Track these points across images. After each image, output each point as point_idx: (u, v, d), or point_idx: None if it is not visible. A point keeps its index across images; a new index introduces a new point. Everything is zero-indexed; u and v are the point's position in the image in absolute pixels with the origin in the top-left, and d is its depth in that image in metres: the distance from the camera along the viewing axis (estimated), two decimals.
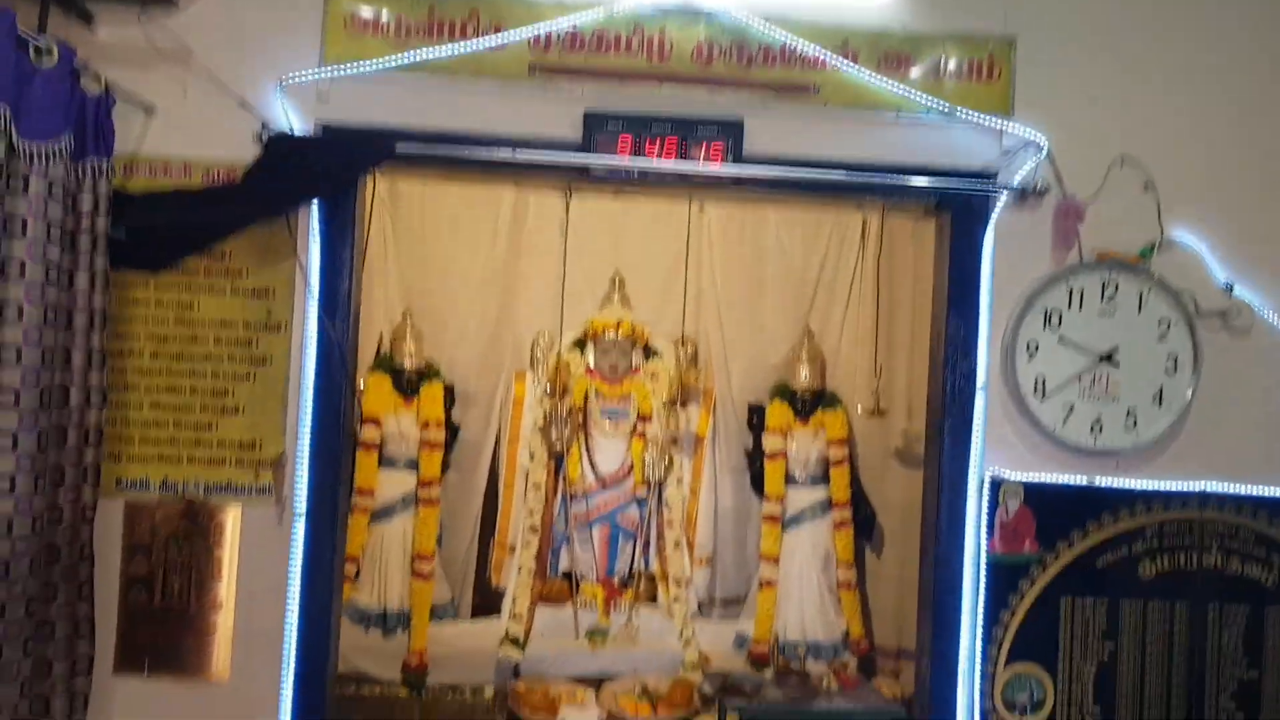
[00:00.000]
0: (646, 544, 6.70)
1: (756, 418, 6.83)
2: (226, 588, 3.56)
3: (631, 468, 6.67)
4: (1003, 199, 3.47)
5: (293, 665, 3.46)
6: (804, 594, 6.61)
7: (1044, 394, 3.41)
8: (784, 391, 6.79)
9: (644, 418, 6.71)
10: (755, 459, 6.79)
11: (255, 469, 3.69)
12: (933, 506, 3.48)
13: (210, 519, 3.61)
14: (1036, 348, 3.45)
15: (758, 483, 6.82)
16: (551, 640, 6.36)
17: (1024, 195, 3.43)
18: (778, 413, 6.73)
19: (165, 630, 3.56)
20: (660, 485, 6.65)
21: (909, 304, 6.84)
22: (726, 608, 6.92)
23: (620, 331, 6.67)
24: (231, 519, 3.62)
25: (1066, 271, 3.46)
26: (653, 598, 6.68)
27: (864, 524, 6.74)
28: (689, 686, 6.03)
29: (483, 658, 6.28)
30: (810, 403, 6.76)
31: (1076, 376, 3.41)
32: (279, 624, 3.49)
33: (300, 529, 3.55)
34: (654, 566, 6.74)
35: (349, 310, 3.65)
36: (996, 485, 3.45)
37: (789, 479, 6.70)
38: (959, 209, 3.53)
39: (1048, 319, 3.46)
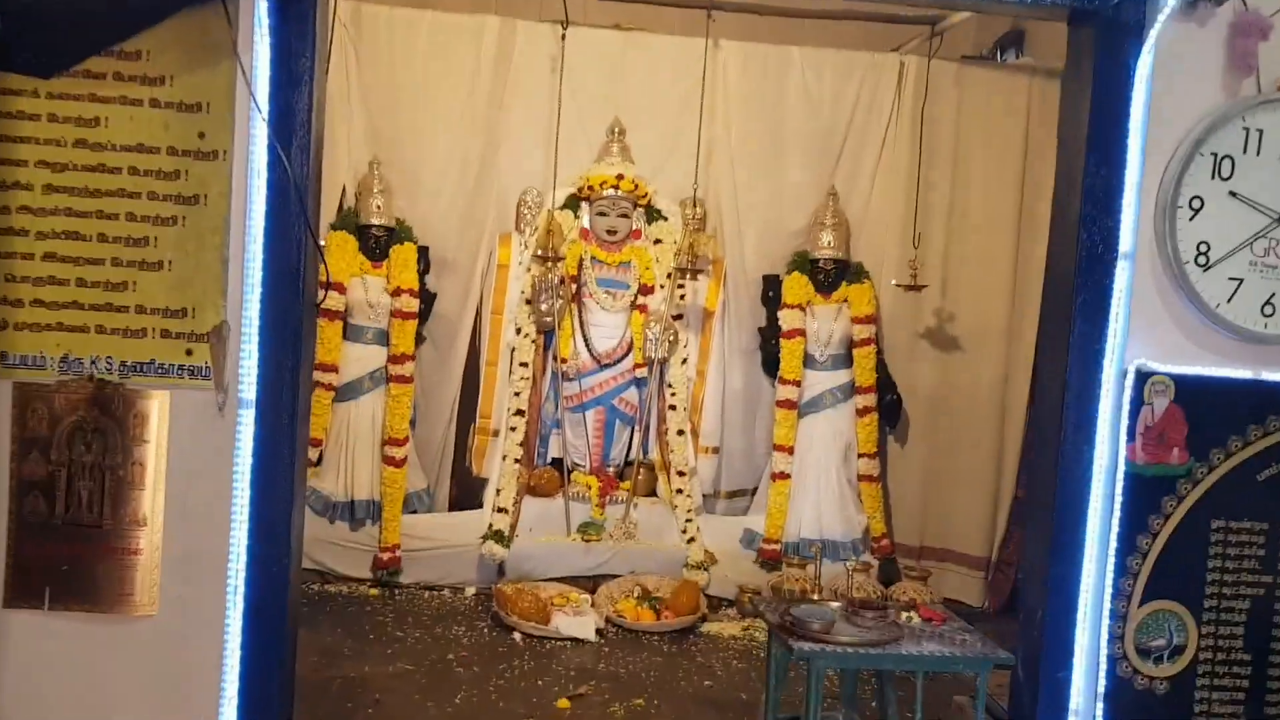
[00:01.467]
0: (646, 430, 5.97)
1: (772, 291, 6.05)
2: (151, 498, 2.74)
3: (631, 345, 5.89)
4: (1166, 7, 2.63)
5: (240, 600, 2.68)
6: (821, 487, 5.94)
7: (1207, 263, 2.64)
8: (803, 262, 6.01)
9: (646, 289, 5.91)
10: (769, 337, 6.04)
11: (187, 343, 2.84)
12: (1054, 403, 2.71)
13: (128, 408, 2.77)
14: (1200, 204, 2.66)
15: (771, 364, 6.09)
16: (540, 536, 5.67)
17: (1193, 4, 2.62)
18: (796, 285, 5.96)
19: (72, 551, 2.74)
20: (663, 365, 5.89)
21: (949, 162, 6.04)
22: (733, 501, 6.24)
23: (621, 188, 5.82)
24: (157, 408, 2.77)
25: (1241, 106, 2.66)
26: (652, 490, 5.99)
27: (889, 411, 6.05)
28: (694, 589, 5.38)
29: (463, 554, 5.59)
30: (833, 275, 5.99)
31: (1249, 242, 2.64)
32: (222, 544, 2.71)
33: (248, 422, 2.73)
34: (654, 455, 6.04)
35: (309, 136, 2.77)
36: (1141, 378, 2.69)
37: (807, 360, 5.97)
38: (1104, 20, 2.69)
39: (1216, 168, 2.67)
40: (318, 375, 5.61)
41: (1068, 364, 2.71)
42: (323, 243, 5.44)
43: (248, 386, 2.81)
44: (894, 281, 5.83)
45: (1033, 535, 2.95)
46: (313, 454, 5.67)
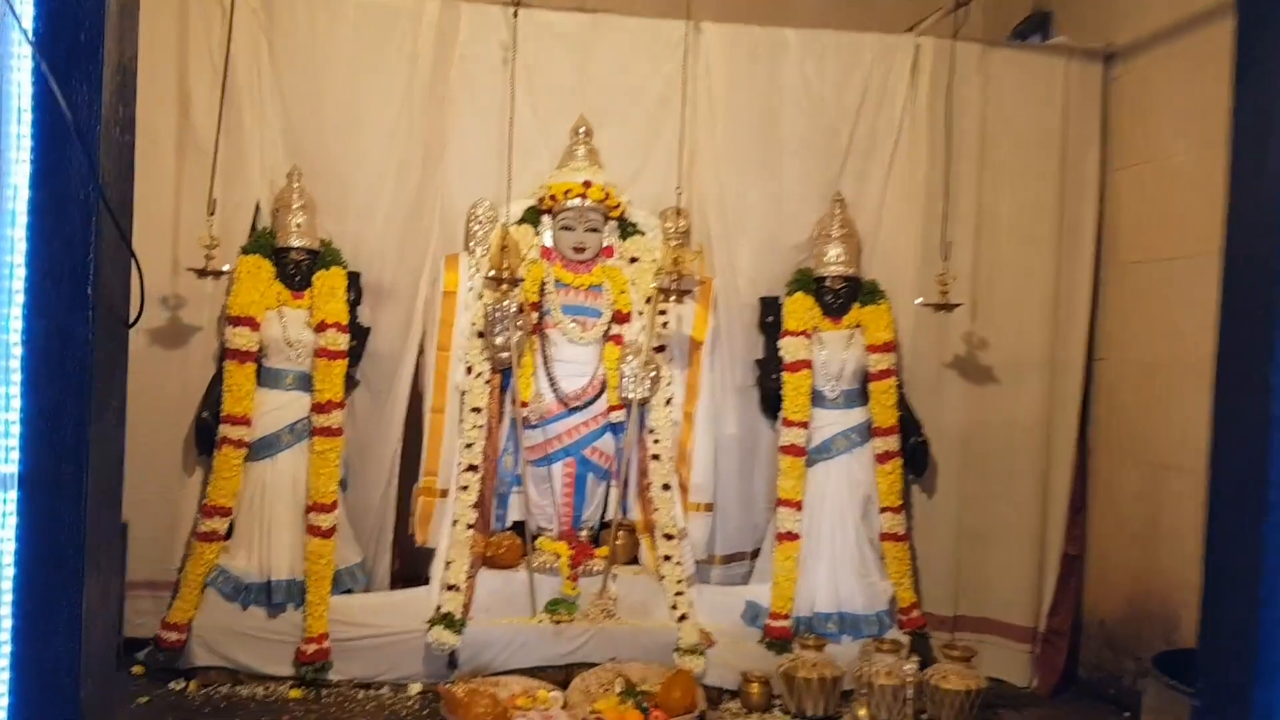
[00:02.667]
0: (625, 485, 4.98)
1: (771, 316, 5.11)
2: None
3: (604, 384, 4.92)
4: None
5: None
6: (837, 549, 4.96)
7: None
8: (807, 281, 5.08)
9: (621, 316, 4.96)
10: (769, 371, 5.09)
11: None
12: (1255, 453, 1.75)
13: None
14: None
15: (771, 403, 5.14)
16: (499, 618, 4.65)
17: None
18: (800, 309, 5.02)
19: None
20: (643, 407, 4.91)
21: (975, 162, 5.14)
22: (730, 568, 5.25)
23: (589, 197, 4.88)
24: None
25: None
26: (634, 558, 5.00)
27: (914, 456, 5.09)
28: (689, 681, 4.37)
29: (406, 643, 4.58)
30: (843, 295, 5.06)
31: None
32: None
33: (10, 507, 1.75)
34: (635, 515, 5.05)
35: (117, 66, 1.78)
36: None
37: (815, 397, 5.01)
38: None
39: None
40: (226, 430, 4.63)
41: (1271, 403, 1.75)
42: (227, 268, 4.50)
43: (7, 452, 1.83)
44: (920, 300, 4.89)
45: (1214, 589, 1.97)
46: (220, 525, 4.66)
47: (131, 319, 2.08)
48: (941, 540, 5.24)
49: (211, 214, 4.49)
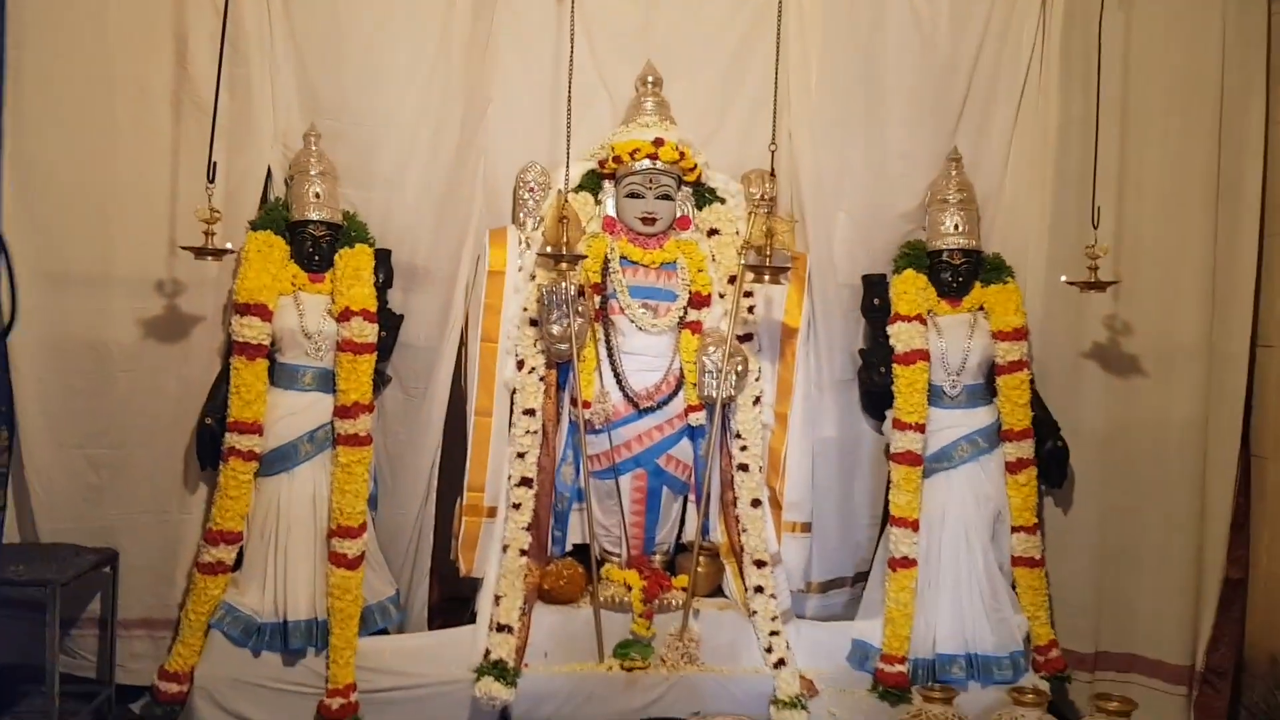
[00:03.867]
0: (706, 501, 4.17)
1: (877, 297, 4.31)
2: None
3: (680, 380, 4.13)
4: None
5: None
6: (962, 578, 4.16)
7: None
8: (919, 255, 4.30)
9: (699, 299, 4.17)
10: (875, 363, 4.28)
11: None
12: None
13: None
14: None
15: (876, 401, 4.35)
16: (560, 665, 3.87)
17: None
18: (912, 289, 4.23)
19: None
20: (727, 408, 4.12)
21: (1116, 113, 4.31)
22: (828, 597, 4.45)
23: (660, 158, 4.10)
24: None
25: None
26: (718, 588, 4.21)
27: (1052, 464, 4.28)
28: None
29: (449, 696, 3.81)
30: (964, 272, 4.26)
31: None
32: None
33: None
34: (718, 536, 4.25)
35: None
36: None
37: (932, 395, 4.20)
38: None
39: None
40: (234, 439, 3.90)
41: None
42: (231, 246, 3.75)
43: None
44: (1065, 278, 4.05)
45: None
46: (227, 554, 3.91)
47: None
48: (1079, 563, 4.43)
49: (212, 181, 3.72)
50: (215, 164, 3.73)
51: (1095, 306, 4.35)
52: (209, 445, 3.96)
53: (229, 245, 3.76)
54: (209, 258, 3.71)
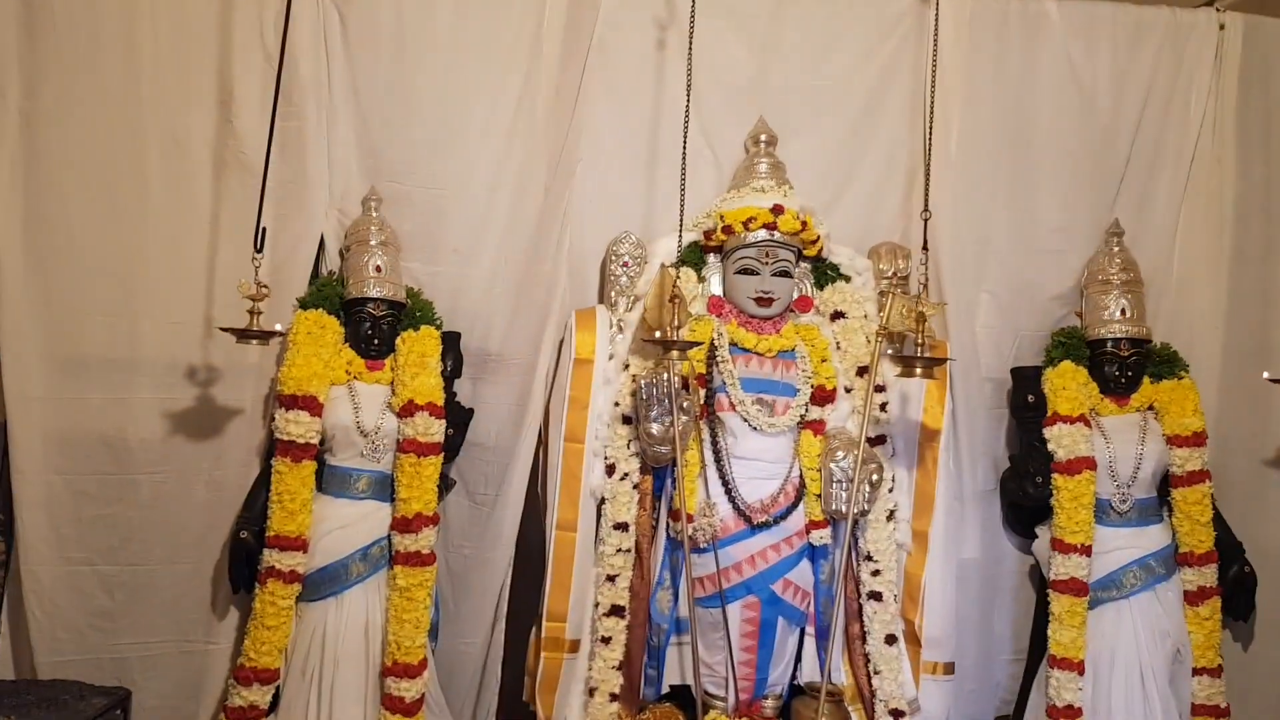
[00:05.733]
0: (832, 636, 3.49)
1: (1032, 394, 3.66)
2: None
3: (801, 490, 3.47)
4: None
5: None
6: None
7: None
8: (1077, 345, 3.66)
9: (824, 394, 3.53)
10: (1029, 472, 3.62)
11: None
12: None
13: None
14: None
15: (1025, 515, 3.68)
16: None
17: None
18: (1072, 384, 3.60)
19: None
20: (857, 524, 3.46)
21: None
22: None
23: (780, 228, 3.49)
24: None
25: None
26: None
27: (1236, 592, 3.60)
28: None
29: None
30: (1132, 365, 3.62)
31: None
32: None
33: None
34: (843, 678, 3.57)
35: None
36: None
37: (1098, 510, 3.54)
38: None
39: None
40: (273, 557, 3.27)
41: None
42: (279, 328, 3.15)
43: None
44: (1267, 375, 3.40)
45: None
46: (262, 696, 3.25)
47: None
48: (1263, 710, 3.71)
49: (259, 252, 3.13)
50: (265, 230, 3.14)
51: (1277, 404, 3.70)
52: (243, 563, 3.32)
53: (277, 326, 3.16)
54: (253, 341, 3.09)
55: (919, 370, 3.11)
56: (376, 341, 3.44)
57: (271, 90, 3.24)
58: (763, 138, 3.65)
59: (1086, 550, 3.48)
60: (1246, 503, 3.73)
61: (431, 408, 3.36)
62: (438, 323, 3.50)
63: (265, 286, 3.08)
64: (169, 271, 3.43)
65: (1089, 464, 3.50)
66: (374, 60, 3.57)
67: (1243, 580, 3.59)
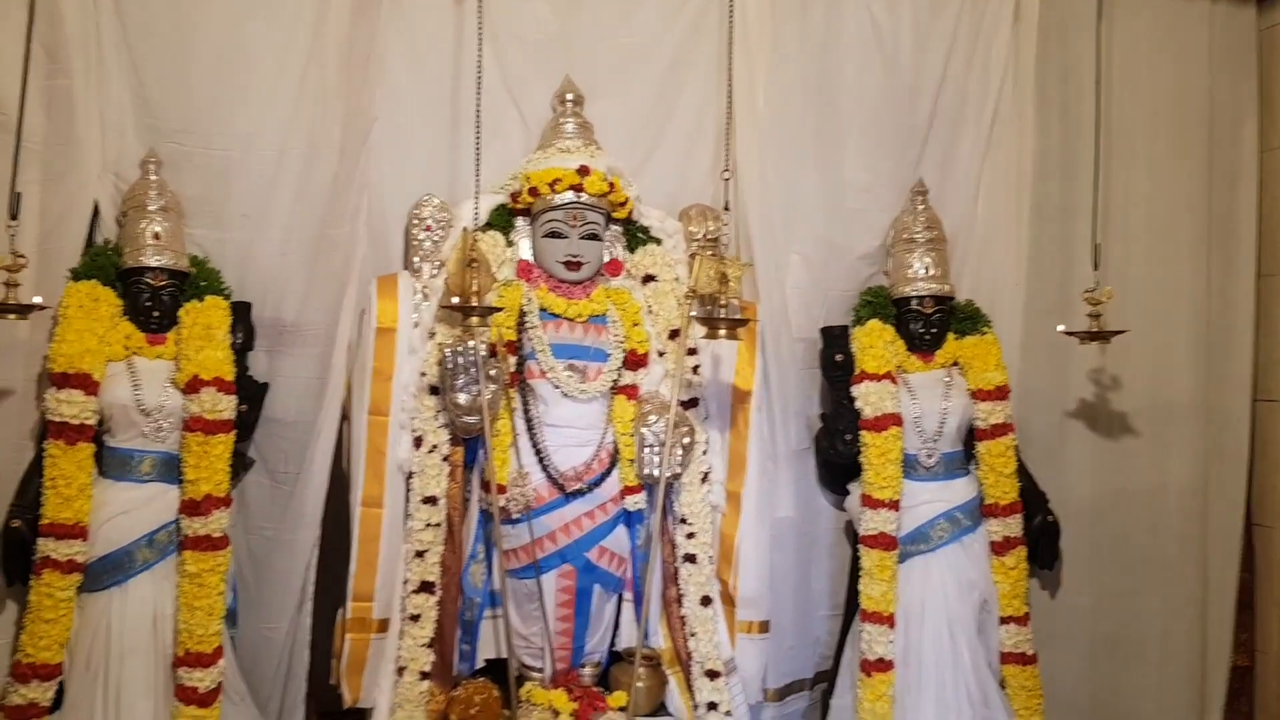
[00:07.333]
0: (646, 600, 3.45)
1: (840, 352, 3.68)
2: None
3: (615, 456, 3.41)
4: None
5: None
6: (948, 680, 3.54)
7: None
8: (883, 303, 3.70)
9: (635, 359, 3.47)
10: (839, 429, 3.65)
11: None
12: None
13: None
14: None
15: (837, 472, 3.72)
16: None
17: None
18: (878, 341, 3.64)
19: None
20: (670, 488, 3.42)
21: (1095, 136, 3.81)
22: (785, 706, 3.78)
23: (586, 189, 3.40)
24: None
25: None
26: (661, 705, 3.47)
27: (1041, 542, 3.72)
28: None
29: None
30: (936, 322, 3.67)
31: None
32: None
33: None
34: (660, 641, 3.53)
35: None
36: None
37: (906, 465, 3.59)
38: None
39: None
40: (49, 546, 3.04)
41: None
42: (38, 301, 2.91)
43: None
44: (1062, 328, 3.48)
45: None
46: (42, 693, 3.03)
47: None
48: (1069, 653, 3.91)
49: (14, 218, 2.88)
50: (19, 195, 2.89)
51: (1079, 360, 3.83)
52: (17, 554, 3.08)
53: (38, 299, 2.92)
54: (11, 315, 2.86)
55: (723, 331, 3.09)
56: (157, 314, 3.22)
57: (24, 41, 2.99)
58: (569, 96, 3.54)
59: (895, 505, 3.53)
60: (1049, 454, 3.86)
61: (219, 383, 3.16)
62: (226, 292, 3.30)
63: (22, 256, 2.85)
64: None
65: (896, 420, 3.55)
66: (148, 14, 3.32)
67: (1047, 529, 3.71)
